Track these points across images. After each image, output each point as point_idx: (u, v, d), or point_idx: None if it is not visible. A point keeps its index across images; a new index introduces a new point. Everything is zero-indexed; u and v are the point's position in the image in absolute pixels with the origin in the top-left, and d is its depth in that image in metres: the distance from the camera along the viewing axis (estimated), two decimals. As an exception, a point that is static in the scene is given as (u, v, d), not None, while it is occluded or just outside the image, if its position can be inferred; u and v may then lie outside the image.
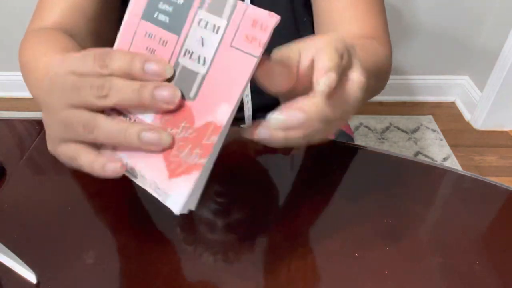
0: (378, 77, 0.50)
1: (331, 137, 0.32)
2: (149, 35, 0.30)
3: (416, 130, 1.74)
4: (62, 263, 0.40)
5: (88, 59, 0.29)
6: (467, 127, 1.77)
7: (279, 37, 0.61)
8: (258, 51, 0.27)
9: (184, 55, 0.29)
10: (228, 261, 0.41)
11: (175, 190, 0.29)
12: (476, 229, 0.45)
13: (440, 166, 0.53)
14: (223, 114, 0.28)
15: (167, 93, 0.29)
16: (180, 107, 0.29)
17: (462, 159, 1.60)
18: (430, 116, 1.82)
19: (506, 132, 1.73)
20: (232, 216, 0.45)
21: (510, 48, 1.54)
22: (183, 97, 0.29)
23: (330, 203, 0.47)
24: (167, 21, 0.30)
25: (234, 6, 0.28)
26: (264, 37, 0.27)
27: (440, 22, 1.71)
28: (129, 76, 0.29)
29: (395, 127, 1.76)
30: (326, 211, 0.46)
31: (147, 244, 0.42)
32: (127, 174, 0.31)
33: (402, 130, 1.74)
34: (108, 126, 0.29)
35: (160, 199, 0.30)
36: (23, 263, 0.40)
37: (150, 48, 0.30)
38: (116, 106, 0.30)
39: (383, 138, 1.69)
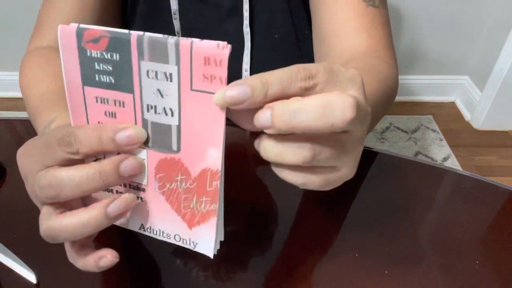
0: (387, 104, 0.49)
1: (329, 187, 0.29)
2: (101, 100, 0.28)
3: (416, 130, 1.74)
4: (62, 263, 0.40)
5: (53, 149, 0.28)
6: (467, 127, 1.77)
7: (280, 50, 0.61)
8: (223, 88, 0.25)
9: (148, 110, 0.27)
10: (219, 277, 0.40)
11: (201, 237, 0.30)
12: (476, 229, 0.45)
13: (440, 166, 0.53)
14: (214, 159, 0.27)
15: (131, 164, 0.28)
16: (168, 163, 0.28)
17: (462, 159, 1.60)
18: (430, 116, 1.82)
19: (506, 132, 1.73)
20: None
21: (510, 48, 1.54)
22: (168, 151, 0.28)
23: (330, 203, 0.47)
24: (113, 81, 0.27)
25: (177, 46, 0.25)
26: (223, 73, 0.24)
27: (440, 22, 1.71)
28: (97, 155, 0.28)
29: (395, 127, 1.76)
30: (326, 211, 0.46)
31: (147, 244, 0.42)
32: (147, 234, 0.32)
33: (402, 130, 1.74)
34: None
35: (190, 247, 0.30)
36: (23, 263, 0.40)
37: (109, 113, 0.28)
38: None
39: (383, 138, 1.69)
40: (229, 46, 0.24)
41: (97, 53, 0.27)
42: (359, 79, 0.27)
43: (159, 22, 0.61)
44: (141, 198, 0.31)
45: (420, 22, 1.71)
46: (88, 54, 0.27)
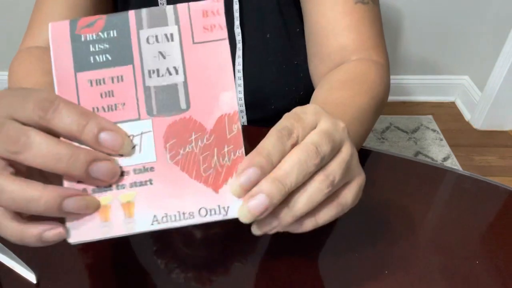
0: (377, 111, 0.49)
1: (358, 199, 0.31)
2: (96, 81, 0.27)
3: (416, 130, 1.74)
4: (62, 263, 0.40)
5: (27, 105, 0.25)
6: (467, 127, 1.77)
7: (273, 50, 0.61)
8: (224, 33, 0.27)
9: (150, 76, 0.27)
10: (201, 280, 0.40)
11: (231, 198, 0.27)
12: (476, 229, 0.45)
13: (440, 166, 0.53)
14: (229, 102, 0.27)
15: (105, 169, 0.26)
16: (179, 124, 0.27)
17: (462, 159, 1.60)
18: (430, 116, 1.82)
19: (506, 132, 1.73)
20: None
21: (510, 48, 1.54)
22: (176, 113, 0.27)
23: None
24: (110, 58, 0.27)
25: (175, 8, 0.27)
26: (221, 20, 0.27)
27: (440, 22, 1.71)
28: (73, 139, 0.26)
29: (395, 127, 1.76)
30: (326, 211, 0.46)
31: (149, 240, 0.42)
32: (162, 227, 0.27)
33: (402, 130, 1.74)
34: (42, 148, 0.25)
35: (220, 218, 0.27)
36: (23, 263, 0.40)
37: (106, 92, 0.27)
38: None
39: (383, 138, 1.70)
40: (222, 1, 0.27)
41: (92, 36, 0.27)
42: (319, 109, 0.30)
43: None
44: (150, 181, 0.27)
45: (420, 22, 1.71)
46: (83, 39, 0.27)
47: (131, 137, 0.27)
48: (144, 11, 0.27)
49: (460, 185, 0.51)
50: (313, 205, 0.28)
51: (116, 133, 0.26)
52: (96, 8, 0.58)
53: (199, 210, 0.27)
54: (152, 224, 0.27)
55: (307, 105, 0.31)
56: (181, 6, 0.27)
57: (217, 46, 0.27)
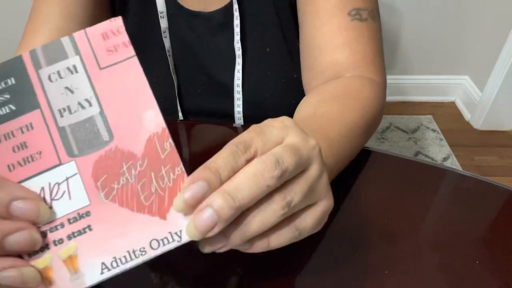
0: (368, 130, 0.48)
1: (321, 225, 0.30)
2: (5, 136, 0.25)
3: (416, 130, 1.74)
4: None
5: None
6: (467, 127, 1.77)
7: (272, 64, 0.61)
8: (130, 51, 0.25)
9: (62, 115, 0.25)
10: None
11: (182, 221, 0.25)
12: (476, 229, 0.45)
13: (440, 166, 0.53)
14: (154, 120, 0.25)
15: (22, 241, 0.23)
16: (106, 158, 0.25)
17: (462, 159, 1.60)
18: (430, 116, 1.82)
19: (506, 132, 1.73)
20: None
21: (510, 48, 1.54)
22: (100, 146, 0.25)
23: (330, 203, 0.47)
24: (14, 108, 0.25)
25: (72, 38, 0.25)
26: (124, 37, 0.25)
27: (440, 22, 1.71)
28: None
29: (395, 127, 1.76)
30: (326, 211, 0.46)
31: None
32: (114, 273, 0.25)
33: (402, 130, 1.74)
34: None
35: (175, 244, 0.25)
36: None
37: (18, 146, 0.25)
38: None
39: (383, 138, 1.70)
40: (119, 17, 0.25)
41: None
42: (289, 122, 0.27)
43: (150, 38, 0.61)
44: (89, 227, 0.25)
45: (420, 21, 1.71)
46: None
47: (55, 186, 0.25)
48: (38, 49, 0.25)
49: (460, 185, 0.51)
50: (265, 227, 0.26)
51: (29, 201, 0.24)
52: (93, 18, 0.57)
53: (150, 243, 0.25)
54: (102, 273, 0.24)
55: (279, 117, 0.28)
56: (78, 34, 0.25)
57: (126, 66, 0.25)
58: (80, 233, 0.25)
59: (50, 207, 0.25)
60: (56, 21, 0.54)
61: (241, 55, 0.59)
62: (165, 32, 0.59)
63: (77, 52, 0.25)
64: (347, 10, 0.52)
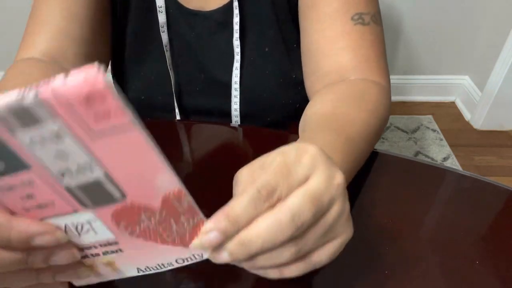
0: (377, 133, 0.48)
1: (335, 255, 0.29)
2: (7, 189, 0.23)
3: (416, 130, 1.74)
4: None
5: None
6: (467, 127, 1.77)
7: (270, 63, 0.61)
8: (127, 117, 0.20)
9: (63, 176, 0.22)
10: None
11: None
12: (476, 229, 0.45)
13: (440, 166, 0.53)
14: (168, 182, 0.23)
15: (64, 258, 0.26)
16: (122, 211, 0.24)
17: (462, 159, 1.60)
18: (430, 116, 1.82)
19: (506, 132, 1.73)
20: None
21: (510, 48, 1.54)
22: (114, 202, 0.24)
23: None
24: (2, 168, 0.22)
25: (40, 102, 0.19)
26: (115, 102, 0.19)
27: (440, 22, 1.71)
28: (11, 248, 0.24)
29: (395, 127, 1.76)
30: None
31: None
32: (148, 273, 0.29)
33: (402, 130, 1.74)
34: None
35: (197, 260, 0.28)
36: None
37: (25, 196, 0.24)
38: None
39: (383, 138, 1.70)
40: (103, 75, 0.18)
41: None
42: (317, 157, 0.26)
43: (149, 35, 0.61)
44: (120, 250, 0.27)
45: (420, 21, 1.71)
46: None
47: (78, 225, 0.26)
48: (4, 111, 0.19)
49: (460, 185, 0.51)
50: (275, 265, 0.26)
51: (48, 231, 0.25)
52: (95, 19, 0.57)
53: (176, 260, 0.28)
54: (138, 272, 0.30)
55: (307, 147, 0.27)
56: (44, 93, 0.19)
57: (125, 136, 0.20)
58: (113, 252, 0.28)
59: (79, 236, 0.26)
60: (57, 21, 0.54)
61: (239, 54, 0.59)
62: (163, 27, 0.59)
63: (54, 117, 0.19)
64: (350, 14, 0.52)
